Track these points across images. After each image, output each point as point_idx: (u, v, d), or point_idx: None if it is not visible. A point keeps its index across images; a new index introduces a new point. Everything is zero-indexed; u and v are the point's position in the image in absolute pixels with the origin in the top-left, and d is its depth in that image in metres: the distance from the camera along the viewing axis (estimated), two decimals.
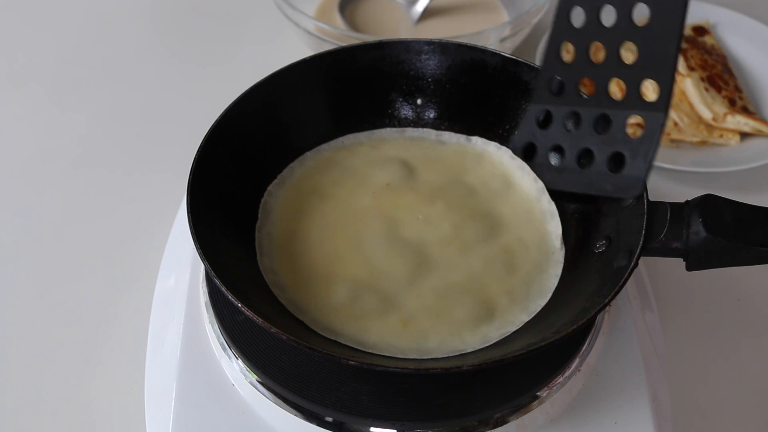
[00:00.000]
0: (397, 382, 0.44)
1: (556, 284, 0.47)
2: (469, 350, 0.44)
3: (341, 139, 0.55)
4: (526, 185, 0.52)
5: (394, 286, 0.46)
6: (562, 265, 0.48)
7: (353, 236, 0.49)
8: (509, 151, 0.53)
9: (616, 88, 0.47)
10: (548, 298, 0.46)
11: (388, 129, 0.55)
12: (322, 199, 0.51)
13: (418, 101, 0.55)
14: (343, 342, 0.44)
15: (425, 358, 0.43)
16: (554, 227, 0.50)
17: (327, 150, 0.54)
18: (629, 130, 0.46)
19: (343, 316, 0.45)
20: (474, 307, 0.45)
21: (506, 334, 0.44)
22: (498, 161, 0.53)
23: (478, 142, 0.54)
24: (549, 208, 0.50)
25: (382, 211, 0.50)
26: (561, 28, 0.49)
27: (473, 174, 0.53)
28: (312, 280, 0.47)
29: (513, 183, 0.52)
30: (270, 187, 0.51)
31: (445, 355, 0.43)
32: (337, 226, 0.49)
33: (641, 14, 0.46)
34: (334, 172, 0.53)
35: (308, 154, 0.54)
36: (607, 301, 0.40)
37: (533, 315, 0.45)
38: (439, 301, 0.46)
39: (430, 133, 0.55)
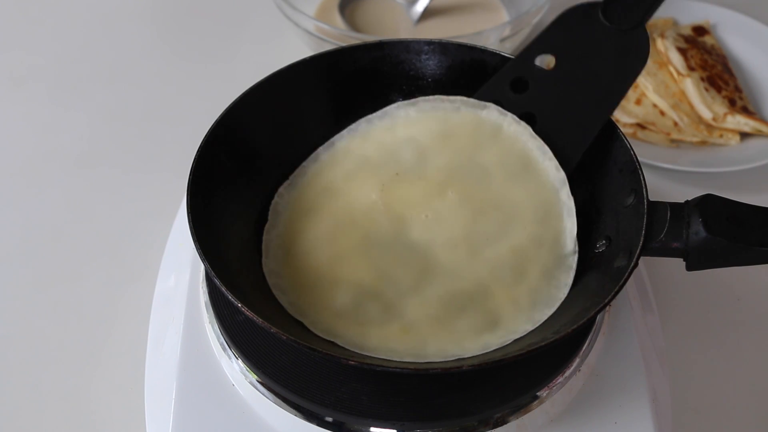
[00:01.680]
0: (397, 382, 0.44)
1: (565, 295, 0.45)
2: (468, 356, 0.43)
3: (353, 126, 0.53)
4: (547, 172, 0.49)
5: (399, 293, 0.45)
6: (573, 272, 0.46)
7: (360, 238, 0.48)
8: (529, 128, 0.51)
9: None
10: (555, 308, 0.45)
11: (402, 103, 0.54)
12: (332, 196, 0.50)
13: None
14: (341, 344, 0.43)
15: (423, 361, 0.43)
16: (570, 225, 0.48)
17: (339, 141, 0.53)
18: None
19: (344, 321, 0.44)
20: (478, 318, 0.44)
21: (507, 342, 0.44)
22: (516, 137, 0.51)
23: (493, 112, 0.52)
24: (567, 203, 0.48)
25: (390, 208, 0.49)
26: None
27: (488, 152, 0.51)
28: (316, 284, 0.46)
29: (532, 166, 0.50)
30: (281, 189, 0.51)
31: (443, 360, 0.43)
32: (345, 226, 0.48)
33: None
34: (347, 163, 0.52)
35: (320, 149, 0.53)
36: (607, 301, 0.40)
37: (538, 325, 0.44)
38: (443, 310, 0.45)
39: (443, 102, 0.53)
